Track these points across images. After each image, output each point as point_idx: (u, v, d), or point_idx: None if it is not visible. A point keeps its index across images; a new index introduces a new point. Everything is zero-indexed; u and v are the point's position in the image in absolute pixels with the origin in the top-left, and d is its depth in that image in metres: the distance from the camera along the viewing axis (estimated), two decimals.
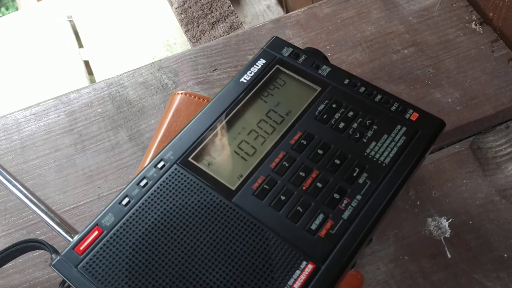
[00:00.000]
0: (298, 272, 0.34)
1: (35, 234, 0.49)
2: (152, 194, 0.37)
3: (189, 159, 0.39)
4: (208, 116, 0.41)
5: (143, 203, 0.37)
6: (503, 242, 0.46)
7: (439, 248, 0.46)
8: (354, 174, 0.37)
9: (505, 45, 0.57)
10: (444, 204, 0.48)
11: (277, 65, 0.44)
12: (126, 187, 0.38)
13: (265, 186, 0.37)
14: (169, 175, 0.38)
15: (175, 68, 0.59)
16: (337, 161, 0.38)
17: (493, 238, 0.46)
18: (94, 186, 0.51)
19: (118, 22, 1.04)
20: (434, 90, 0.55)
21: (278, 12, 1.06)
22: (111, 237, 0.36)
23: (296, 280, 0.33)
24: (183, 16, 0.72)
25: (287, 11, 1.06)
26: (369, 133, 0.40)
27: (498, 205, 0.48)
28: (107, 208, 0.37)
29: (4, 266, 0.43)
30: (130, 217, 0.36)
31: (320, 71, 0.43)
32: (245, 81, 0.43)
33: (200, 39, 0.71)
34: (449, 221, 0.47)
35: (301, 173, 0.38)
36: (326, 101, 0.41)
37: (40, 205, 0.40)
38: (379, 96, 0.41)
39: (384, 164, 0.38)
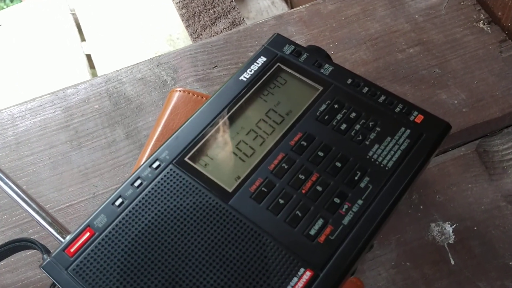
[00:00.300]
0: (295, 279, 0.32)
1: (28, 232, 0.48)
2: (146, 195, 0.36)
3: (185, 159, 0.38)
4: (206, 114, 0.40)
5: (136, 204, 0.36)
6: (509, 249, 0.45)
7: (443, 254, 0.45)
8: (356, 178, 0.36)
9: None
10: (448, 209, 0.47)
11: (278, 63, 0.42)
12: (119, 187, 0.37)
13: (263, 188, 0.36)
14: (164, 176, 0.37)
15: (175, 64, 0.57)
16: (338, 164, 0.37)
17: (498, 245, 0.45)
18: (89, 184, 0.50)
19: (121, 16, 1.03)
20: (440, 91, 0.53)
21: (282, 7, 1.04)
22: (102, 239, 0.34)
23: (293, 287, 0.32)
24: (184, 11, 0.71)
25: (292, 7, 1.05)
26: (372, 135, 0.38)
27: (504, 211, 0.47)
28: (100, 208, 0.36)
29: None
30: (123, 218, 0.35)
31: (322, 70, 0.42)
32: (245, 79, 0.42)
33: (201, 34, 0.69)
34: (453, 226, 0.46)
35: (300, 176, 0.36)
36: (328, 101, 0.40)
37: (31, 203, 0.39)
38: (383, 97, 0.40)
39: (387, 168, 0.37)
